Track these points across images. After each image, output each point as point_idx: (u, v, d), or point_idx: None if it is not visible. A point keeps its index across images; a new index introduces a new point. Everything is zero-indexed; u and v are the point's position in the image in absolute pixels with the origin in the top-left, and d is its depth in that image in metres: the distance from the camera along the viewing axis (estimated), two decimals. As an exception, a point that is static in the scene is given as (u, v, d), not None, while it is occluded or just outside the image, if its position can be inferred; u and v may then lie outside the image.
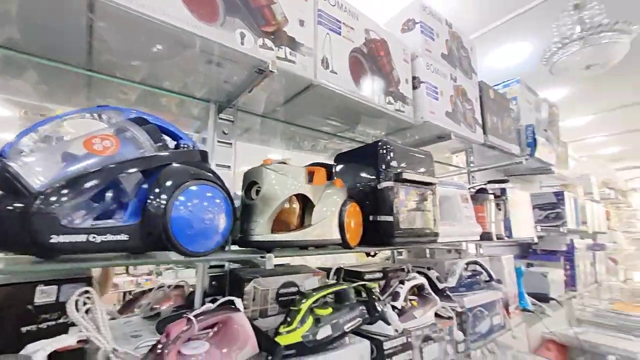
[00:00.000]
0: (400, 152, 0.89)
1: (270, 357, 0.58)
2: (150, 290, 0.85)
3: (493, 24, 1.58)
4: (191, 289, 0.82)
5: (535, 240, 1.54)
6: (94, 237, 0.41)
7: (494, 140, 1.34)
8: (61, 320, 0.54)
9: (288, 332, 0.61)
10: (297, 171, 0.67)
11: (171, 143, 0.57)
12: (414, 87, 1.05)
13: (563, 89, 2.32)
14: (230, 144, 0.86)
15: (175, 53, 0.62)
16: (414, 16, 1.11)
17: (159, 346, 0.45)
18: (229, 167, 0.84)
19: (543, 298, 1.56)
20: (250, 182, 0.64)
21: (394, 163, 0.85)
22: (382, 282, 0.98)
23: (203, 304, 0.66)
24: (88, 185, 0.42)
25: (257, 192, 0.62)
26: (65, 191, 0.39)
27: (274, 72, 0.65)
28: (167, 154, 0.52)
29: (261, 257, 0.58)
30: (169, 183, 0.48)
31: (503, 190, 1.42)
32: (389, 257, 1.42)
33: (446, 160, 1.70)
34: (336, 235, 0.71)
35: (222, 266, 0.80)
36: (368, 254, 1.17)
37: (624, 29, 1.03)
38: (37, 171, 0.39)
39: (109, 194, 0.48)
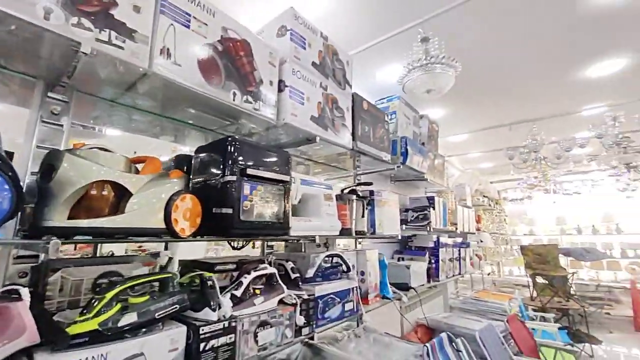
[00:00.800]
0: (250, 150, 0.94)
1: (55, 347, 0.56)
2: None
3: (377, 43, 1.77)
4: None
5: (399, 237, 1.76)
6: None
7: (363, 147, 1.51)
8: None
9: (83, 320, 0.60)
10: (113, 159, 0.66)
11: None
12: (280, 90, 1.12)
13: (442, 109, 2.72)
14: (61, 125, 0.80)
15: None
16: (286, 23, 1.19)
17: None
18: (57, 149, 0.78)
19: (404, 287, 1.79)
20: (48, 165, 0.60)
21: (241, 159, 0.90)
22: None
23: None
24: None
25: (53, 175, 0.59)
26: None
27: (86, 53, 0.63)
28: None
29: (45, 243, 0.55)
30: None
31: (372, 192, 1.60)
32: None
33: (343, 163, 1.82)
34: (160, 225, 0.72)
35: (37, 257, 0.74)
36: (234, 247, 1.20)
37: (450, 64, 1.28)
38: None
39: None
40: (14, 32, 0.61)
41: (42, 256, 0.74)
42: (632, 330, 4.08)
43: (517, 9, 1.51)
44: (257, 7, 1.34)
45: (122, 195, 0.68)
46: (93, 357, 0.57)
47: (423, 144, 2.34)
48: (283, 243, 1.57)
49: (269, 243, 1.46)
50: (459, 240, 2.87)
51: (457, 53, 1.93)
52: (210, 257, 1.14)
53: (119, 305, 0.64)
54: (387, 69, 2.26)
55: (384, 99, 2.07)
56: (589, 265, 5.29)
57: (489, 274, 4.61)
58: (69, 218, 0.60)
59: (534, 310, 3.42)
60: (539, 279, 3.72)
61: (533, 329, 2.86)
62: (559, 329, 2.96)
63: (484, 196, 4.27)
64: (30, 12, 0.58)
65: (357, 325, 1.65)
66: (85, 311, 0.60)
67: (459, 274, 2.70)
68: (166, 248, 1.20)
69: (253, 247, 1.41)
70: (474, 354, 1.80)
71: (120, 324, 0.62)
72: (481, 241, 3.47)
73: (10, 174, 0.54)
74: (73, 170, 0.59)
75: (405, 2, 1.38)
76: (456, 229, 2.81)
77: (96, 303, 0.62)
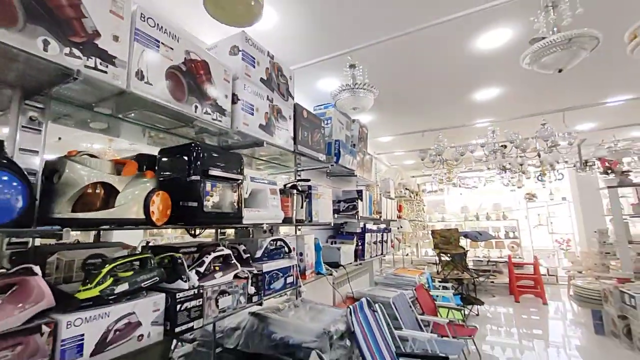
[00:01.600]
0: (210, 153, 1.15)
1: (68, 309, 0.74)
2: None
3: (317, 62, 2.07)
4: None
5: (332, 224, 2.12)
6: None
7: (302, 149, 1.80)
8: None
9: (86, 289, 0.78)
10: (101, 164, 0.84)
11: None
12: (233, 102, 1.34)
13: (371, 115, 3.18)
14: (39, 130, 0.92)
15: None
16: (238, 44, 1.40)
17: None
18: (36, 152, 0.90)
19: (335, 265, 2.17)
20: (51, 170, 0.76)
21: (203, 162, 1.11)
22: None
23: (-5, 275, 0.74)
24: None
25: (59, 178, 0.75)
26: None
27: (78, 78, 0.79)
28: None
29: (58, 231, 0.72)
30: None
31: (309, 187, 1.91)
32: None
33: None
34: (140, 216, 0.91)
35: (26, 243, 0.86)
36: (193, 235, 1.40)
37: (370, 90, 1.65)
38: None
39: None
40: (13, 59, 0.74)
41: (30, 242, 0.87)
42: (507, 294, 5.26)
43: (423, 49, 1.97)
44: (214, 25, 1.52)
45: (110, 192, 0.86)
46: (99, 314, 0.76)
47: (354, 145, 2.74)
48: (233, 230, 1.79)
49: (222, 230, 1.67)
50: (383, 226, 3.39)
51: (381, 76, 2.37)
52: (175, 243, 1.31)
53: (111, 279, 0.83)
54: (325, 80, 2.59)
55: (321, 105, 2.39)
56: (483, 245, 6.55)
57: (407, 255, 5.42)
58: (72, 211, 0.77)
59: (439, 281, 4.20)
60: (444, 257, 4.57)
61: (436, 295, 3.57)
62: (454, 294, 3.73)
63: (405, 189, 4.96)
64: (33, 45, 0.72)
65: (296, 298, 1.98)
66: (87, 282, 0.78)
67: (382, 254, 3.22)
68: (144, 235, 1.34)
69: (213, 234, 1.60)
70: (388, 316, 2.28)
71: (116, 292, 0.81)
72: (401, 227, 4.10)
73: (24, 178, 0.70)
74: (75, 174, 0.76)
75: (339, 34, 1.71)
76: (380, 217, 3.32)
77: (95, 277, 0.80)
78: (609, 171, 3.41)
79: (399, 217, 4.22)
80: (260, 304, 1.37)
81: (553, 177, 4.52)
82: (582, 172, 3.80)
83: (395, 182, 4.21)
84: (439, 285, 3.97)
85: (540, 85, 2.74)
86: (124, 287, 0.83)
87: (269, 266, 1.44)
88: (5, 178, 0.65)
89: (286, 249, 1.65)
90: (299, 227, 2.01)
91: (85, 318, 0.74)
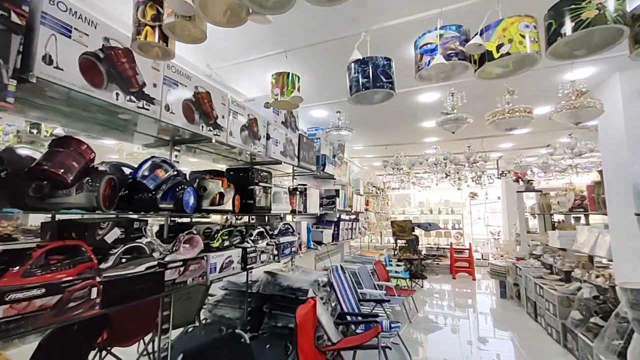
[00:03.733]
0: (258, 172, 2.01)
1: (207, 252, 1.59)
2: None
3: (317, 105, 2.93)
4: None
5: (318, 214, 3.04)
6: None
7: (303, 165, 2.68)
8: (124, 238, 1.36)
9: (213, 242, 1.63)
10: (219, 182, 1.68)
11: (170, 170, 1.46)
12: (267, 139, 2.19)
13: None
14: (177, 162, 1.73)
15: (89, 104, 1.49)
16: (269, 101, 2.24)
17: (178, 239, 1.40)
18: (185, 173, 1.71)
19: (319, 242, 3.10)
20: (202, 186, 1.60)
21: (255, 177, 1.97)
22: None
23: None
24: (166, 186, 1.32)
25: (204, 189, 1.60)
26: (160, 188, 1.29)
27: (129, 115, 1.62)
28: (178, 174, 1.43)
29: (207, 215, 1.57)
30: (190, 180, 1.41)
31: (304, 189, 2.80)
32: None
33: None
34: (230, 207, 1.76)
35: (190, 220, 1.69)
36: (237, 218, 2.24)
37: (349, 129, 2.56)
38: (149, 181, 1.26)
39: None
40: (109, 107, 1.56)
41: (188, 220, 1.70)
42: (448, 273, 6.55)
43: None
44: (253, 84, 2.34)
45: (221, 196, 1.71)
46: (220, 255, 1.62)
47: (334, 156, 3.65)
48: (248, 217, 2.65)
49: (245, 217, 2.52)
50: (353, 217, 4.37)
51: (356, 109, 3.29)
52: (235, 223, 2.16)
53: (221, 240, 1.68)
54: (317, 111, 3.48)
55: (313, 127, 3.27)
56: (434, 235, 7.84)
57: (372, 241, 6.52)
58: (209, 205, 1.61)
59: (396, 261, 5.31)
60: (400, 242, 5.69)
61: (390, 270, 4.65)
62: (404, 270, 4.85)
63: (373, 186, 5.99)
64: (110, 97, 1.51)
65: (291, 265, 2.89)
66: (212, 240, 1.64)
67: (351, 237, 4.21)
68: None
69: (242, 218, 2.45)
70: (353, 280, 3.26)
71: (224, 245, 1.68)
72: (367, 218, 5.12)
73: (194, 190, 1.54)
74: (210, 188, 1.61)
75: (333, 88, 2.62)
76: (351, 209, 4.30)
77: (214, 238, 1.65)
78: (519, 180, 4.64)
79: (366, 209, 5.25)
80: (279, 262, 2.27)
81: (487, 180, 5.77)
82: (499, 179, 5.05)
83: (364, 181, 5.21)
84: (395, 264, 5.07)
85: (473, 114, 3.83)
86: (226, 244, 1.70)
87: (283, 240, 2.33)
88: (190, 189, 1.49)
89: (291, 229, 2.54)
90: (298, 215, 2.91)
91: (216, 255, 1.59)
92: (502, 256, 6.11)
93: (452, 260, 6.32)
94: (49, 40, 0.96)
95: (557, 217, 4.33)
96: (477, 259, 6.87)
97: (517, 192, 4.70)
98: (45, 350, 1.42)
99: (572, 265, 3.38)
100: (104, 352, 1.85)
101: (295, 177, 3.18)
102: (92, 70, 1.07)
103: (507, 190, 6.71)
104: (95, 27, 1.10)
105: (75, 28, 1.03)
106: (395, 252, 5.76)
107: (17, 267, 0.89)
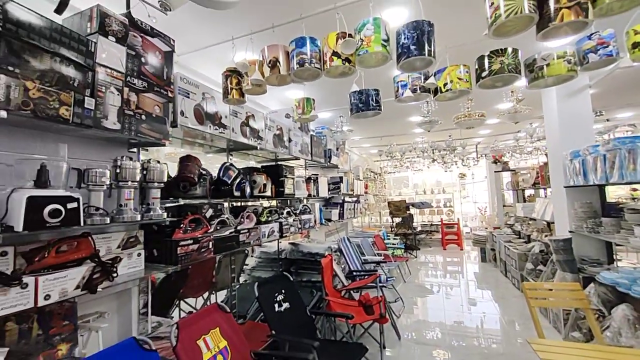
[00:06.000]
0: (284, 168, 2.75)
1: (258, 224, 2.36)
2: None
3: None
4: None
5: (327, 197, 3.80)
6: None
7: (315, 159, 3.42)
8: (210, 216, 2.12)
9: (262, 218, 2.40)
10: (262, 176, 2.43)
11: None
12: (289, 141, 2.91)
13: (349, 126, 4.84)
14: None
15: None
16: (289, 112, 2.95)
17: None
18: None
19: (329, 220, 3.87)
20: (252, 180, 2.35)
21: (284, 171, 2.71)
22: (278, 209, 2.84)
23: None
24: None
25: (255, 182, 2.34)
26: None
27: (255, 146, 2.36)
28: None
29: (253, 200, 2.33)
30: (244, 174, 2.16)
31: (316, 177, 3.55)
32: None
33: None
34: (269, 194, 2.52)
35: (244, 203, 2.45)
36: (269, 202, 3.00)
37: (350, 130, 3.27)
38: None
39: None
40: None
41: (232, 203, 2.46)
42: (440, 246, 7.41)
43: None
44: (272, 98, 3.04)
45: (264, 186, 2.46)
46: (266, 227, 2.38)
47: (337, 149, 4.38)
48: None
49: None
50: (354, 199, 5.15)
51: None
52: (271, 205, 2.93)
53: (266, 216, 2.45)
54: (324, 114, 4.19)
55: (319, 126, 3.98)
56: (427, 212, 8.67)
57: (371, 220, 7.35)
58: (258, 193, 2.37)
59: (394, 235, 6.13)
60: (396, 220, 6.50)
61: (387, 243, 5.47)
62: (400, 242, 5.67)
63: (371, 171, 6.75)
64: (206, 129, 2.27)
65: (308, 238, 3.68)
66: (261, 216, 2.40)
67: (354, 216, 4.99)
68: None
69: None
70: (358, 250, 4.06)
71: (269, 220, 2.44)
72: (367, 200, 5.90)
73: (248, 180, 2.29)
74: (260, 181, 2.35)
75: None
76: (353, 192, 5.06)
77: (262, 213, 2.41)
78: (497, 162, 5.38)
79: (366, 192, 6.03)
80: (300, 234, 3.04)
81: (472, 163, 6.52)
82: (485, 161, 5.81)
83: (363, 167, 5.97)
84: (392, 238, 5.89)
85: (446, 114, 4.54)
86: (270, 219, 2.46)
87: (303, 217, 3.09)
88: (248, 182, 2.24)
89: (308, 209, 3.31)
90: (311, 199, 3.68)
91: (264, 227, 2.36)
92: (486, 228, 6.94)
93: (443, 234, 7.16)
94: (182, 101, 1.69)
95: (528, 192, 5.10)
96: (466, 232, 7.72)
97: (495, 172, 5.46)
98: (158, 286, 2.22)
99: (532, 230, 4.18)
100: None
101: (307, 168, 3.93)
102: (198, 115, 1.80)
103: (490, 171, 7.47)
104: (198, 87, 1.82)
105: (190, 92, 1.75)
106: (392, 228, 6.58)
107: (178, 228, 1.65)
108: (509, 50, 1.73)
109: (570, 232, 2.88)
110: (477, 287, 4.46)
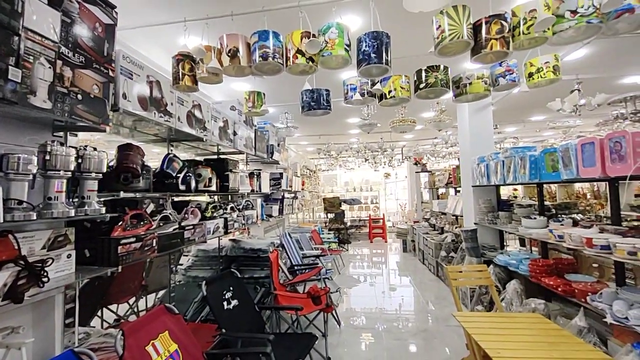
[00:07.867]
0: (230, 162, 2.65)
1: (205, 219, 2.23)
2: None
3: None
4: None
5: (269, 193, 3.78)
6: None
7: (258, 153, 3.36)
8: (149, 211, 1.92)
9: (207, 213, 2.28)
10: (208, 170, 2.30)
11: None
12: (234, 135, 2.81)
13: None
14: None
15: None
16: (234, 104, 2.85)
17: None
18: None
19: (270, 215, 3.86)
20: (196, 172, 2.21)
21: (228, 165, 2.61)
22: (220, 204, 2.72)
23: (177, 209, 2.16)
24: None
25: (200, 176, 2.21)
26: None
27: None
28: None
29: (196, 194, 2.20)
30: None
31: (259, 172, 3.50)
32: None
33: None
34: (214, 189, 2.40)
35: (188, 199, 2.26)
36: (211, 196, 2.85)
37: (295, 127, 3.34)
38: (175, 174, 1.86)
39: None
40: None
41: (172, 198, 2.28)
42: (367, 239, 8.03)
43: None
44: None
45: (209, 180, 2.34)
46: (211, 222, 2.28)
47: (278, 145, 4.38)
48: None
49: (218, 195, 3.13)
50: (293, 195, 5.21)
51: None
52: (215, 200, 2.76)
53: (211, 212, 2.33)
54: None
55: (262, 122, 3.92)
56: (357, 209, 9.29)
57: (305, 216, 7.54)
58: (203, 187, 2.24)
59: (327, 231, 6.39)
60: (330, 215, 6.81)
61: (323, 237, 5.69)
62: (334, 237, 5.97)
63: (307, 169, 6.89)
64: (152, 115, 2.13)
65: (248, 234, 3.61)
66: (206, 212, 2.28)
67: (292, 212, 5.06)
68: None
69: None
70: (297, 246, 4.14)
71: (213, 215, 2.33)
72: (304, 196, 6.02)
73: (193, 174, 2.16)
74: (205, 175, 2.23)
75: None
76: (292, 189, 5.12)
77: (207, 210, 2.29)
78: (417, 163, 6.13)
79: (302, 189, 6.15)
80: (241, 233, 2.97)
81: (396, 163, 7.22)
82: (405, 163, 6.55)
83: (300, 164, 6.07)
84: (327, 233, 6.15)
85: (382, 118, 4.98)
86: (214, 214, 2.35)
87: (246, 213, 3.03)
88: (193, 176, 2.11)
89: (251, 205, 3.25)
90: (252, 194, 3.61)
91: (209, 223, 2.25)
92: (406, 222, 7.79)
93: (370, 228, 7.78)
94: (125, 82, 1.50)
95: (440, 190, 5.93)
96: (390, 226, 8.52)
97: (415, 172, 6.19)
98: (81, 291, 1.93)
99: (445, 223, 4.89)
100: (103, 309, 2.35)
101: (248, 163, 3.83)
102: (142, 100, 1.62)
103: (411, 172, 8.43)
104: (142, 69, 1.64)
105: (134, 72, 1.57)
106: (327, 224, 6.86)
107: (118, 225, 1.47)
108: (442, 67, 2.01)
109: (475, 223, 3.48)
110: (401, 277, 5.01)
